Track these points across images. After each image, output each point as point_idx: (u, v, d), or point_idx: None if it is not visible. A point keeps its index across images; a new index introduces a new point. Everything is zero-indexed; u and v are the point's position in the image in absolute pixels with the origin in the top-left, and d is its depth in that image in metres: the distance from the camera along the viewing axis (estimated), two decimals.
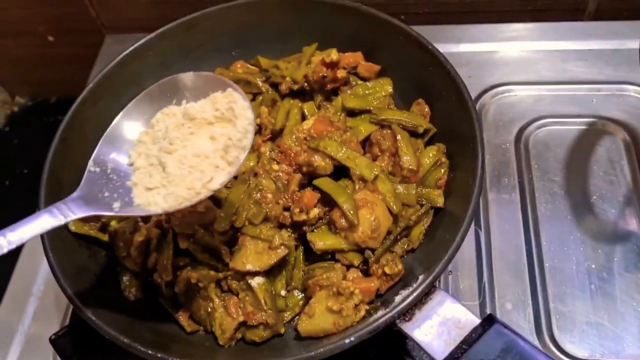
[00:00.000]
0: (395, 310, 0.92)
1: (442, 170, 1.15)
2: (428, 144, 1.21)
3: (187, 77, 1.03)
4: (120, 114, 1.03)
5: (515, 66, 1.54)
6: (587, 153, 1.37)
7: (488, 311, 1.19)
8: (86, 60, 1.85)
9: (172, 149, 0.96)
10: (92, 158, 0.99)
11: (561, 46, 1.57)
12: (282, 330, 1.06)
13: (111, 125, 1.03)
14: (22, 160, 2.14)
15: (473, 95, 1.16)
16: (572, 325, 1.16)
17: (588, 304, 1.18)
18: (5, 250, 0.82)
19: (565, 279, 1.21)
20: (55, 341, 1.13)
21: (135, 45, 1.33)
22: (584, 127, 1.42)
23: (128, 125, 1.03)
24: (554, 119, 1.43)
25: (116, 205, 0.95)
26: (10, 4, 1.94)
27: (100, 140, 1.01)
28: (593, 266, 1.22)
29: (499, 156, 1.39)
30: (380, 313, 0.97)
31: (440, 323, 0.91)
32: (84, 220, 1.16)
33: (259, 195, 1.11)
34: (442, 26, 1.65)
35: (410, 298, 0.93)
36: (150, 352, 0.94)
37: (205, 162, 0.94)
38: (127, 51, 1.32)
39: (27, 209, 1.47)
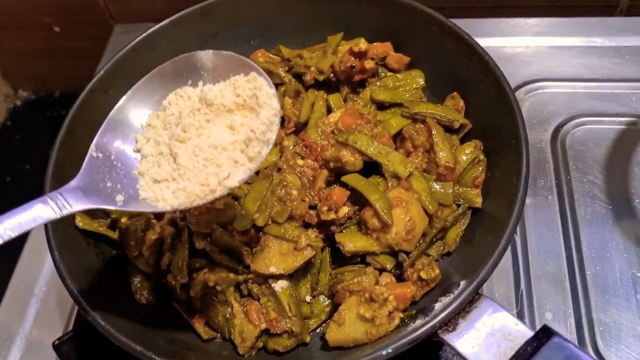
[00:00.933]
0: (437, 318, 0.84)
1: (480, 169, 1.07)
2: (462, 141, 1.13)
3: (206, 56, 0.92)
4: (129, 92, 0.93)
5: (549, 62, 1.46)
6: (627, 154, 1.29)
7: (527, 321, 1.10)
8: (92, 53, 1.77)
9: (185, 137, 0.85)
10: (94, 142, 0.88)
11: (596, 42, 1.49)
12: (308, 339, 0.98)
13: (117, 105, 0.92)
14: (24, 156, 2.06)
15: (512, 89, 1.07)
16: (617, 338, 1.08)
17: (634, 314, 1.10)
18: None
19: (609, 288, 1.13)
20: (59, 347, 1.05)
21: (148, 32, 1.25)
22: (623, 126, 1.33)
23: (136, 106, 0.92)
24: (592, 118, 1.35)
25: (119, 198, 0.84)
26: None
27: (105, 122, 0.90)
28: (638, 274, 1.14)
29: (534, 156, 1.30)
30: (419, 322, 0.88)
31: (487, 334, 0.82)
32: (93, 215, 1.08)
33: (283, 191, 1.02)
34: (471, 19, 1.57)
35: (453, 305, 0.84)
36: None
37: (223, 155, 0.83)
38: (140, 38, 1.24)
39: None
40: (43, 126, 2.17)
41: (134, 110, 0.92)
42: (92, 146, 0.88)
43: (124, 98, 0.92)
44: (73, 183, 0.83)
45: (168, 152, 0.87)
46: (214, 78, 0.91)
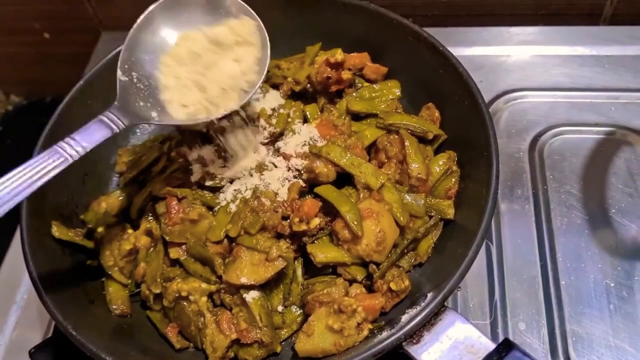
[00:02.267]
0: (402, 331, 0.84)
1: (453, 180, 1.08)
2: (437, 151, 1.14)
3: None
4: (139, 20, 1.02)
5: (529, 71, 1.47)
6: (605, 164, 1.30)
7: (499, 331, 1.11)
8: (83, 59, 1.79)
9: (207, 73, 1.01)
10: (118, 67, 0.99)
11: (578, 51, 1.49)
12: (279, 350, 0.99)
13: (131, 32, 1.02)
14: (15, 161, 2.06)
15: (485, 100, 1.08)
16: (589, 349, 1.08)
17: (607, 325, 1.10)
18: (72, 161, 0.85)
19: (583, 298, 1.13)
20: (34, 355, 1.05)
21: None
22: (602, 136, 1.34)
23: (148, 34, 1.03)
24: (570, 127, 1.35)
25: (154, 114, 0.96)
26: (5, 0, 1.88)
27: (122, 48, 1.01)
28: (612, 284, 1.14)
29: (511, 165, 1.31)
30: (385, 334, 0.89)
31: (450, 347, 0.83)
32: (69, 225, 1.09)
33: (256, 202, 1.03)
34: (453, 28, 1.57)
35: (419, 318, 0.85)
36: None
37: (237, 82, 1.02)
38: (121, 48, 1.25)
39: (16, 212, 1.40)
40: (34, 132, 2.17)
41: (147, 37, 1.03)
42: (118, 71, 0.99)
43: (136, 26, 1.03)
44: (116, 104, 0.94)
45: (192, 84, 1.00)
46: (208, 18, 1.05)
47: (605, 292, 1.14)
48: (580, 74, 1.45)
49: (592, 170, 1.29)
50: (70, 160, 0.85)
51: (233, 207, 1.04)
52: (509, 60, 1.50)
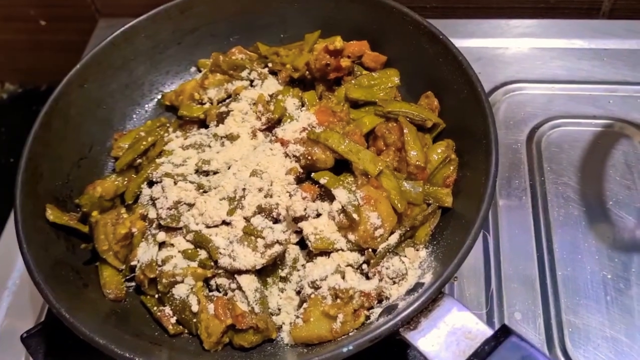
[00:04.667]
0: (399, 317, 0.83)
1: (451, 168, 1.07)
2: (435, 140, 1.13)
3: None
4: None
5: (528, 63, 1.47)
6: (602, 156, 1.29)
7: (495, 321, 1.11)
8: (79, 47, 1.77)
9: None
10: None
11: (576, 44, 1.50)
12: (274, 336, 0.98)
13: None
14: (8, 149, 2.06)
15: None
16: (586, 339, 1.08)
17: (603, 316, 1.10)
18: None
19: (579, 289, 1.13)
20: (26, 339, 1.04)
21: (126, 27, 1.25)
22: (599, 128, 1.34)
23: None
24: (568, 120, 1.35)
25: None
26: None
27: None
28: (609, 276, 1.14)
29: (509, 157, 1.31)
30: (382, 320, 0.88)
31: (448, 333, 0.82)
32: (64, 208, 1.08)
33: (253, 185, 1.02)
34: (452, 20, 1.57)
35: (416, 304, 0.84)
36: (127, 355, 0.85)
37: None
38: (117, 32, 1.24)
39: (8, 201, 1.39)
40: (29, 120, 2.15)
41: None
42: None
43: None
44: None
45: None
46: None
47: (602, 284, 1.13)
48: (578, 66, 1.45)
49: (590, 162, 1.29)
50: None
51: (231, 191, 1.03)
52: (507, 52, 1.50)
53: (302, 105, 1.15)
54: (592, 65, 1.45)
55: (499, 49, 1.51)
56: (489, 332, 0.80)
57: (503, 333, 0.78)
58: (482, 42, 1.52)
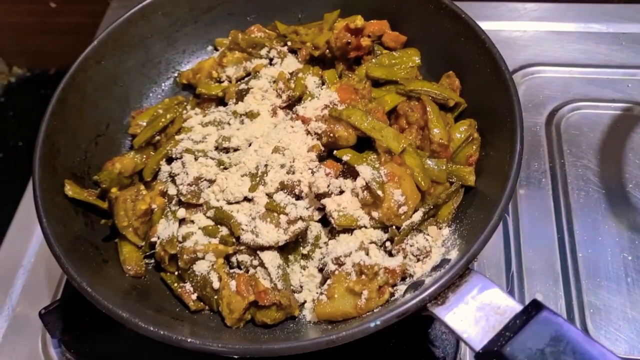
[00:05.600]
0: (427, 292, 0.82)
1: (474, 147, 1.06)
2: (457, 120, 1.12)
3: None
4: None
5: (546, 46, 1.46)
6: (622, 139, 1.29)
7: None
8: (89, 30, 1.75)
9: None
10: None
11: (593, 28, 1.49)
12: (296, 313, 0.97)
13: None
14: (17, 132, 2.05)
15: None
16: (607, 320, 1.07)
17: (624, 298, 1.09)
18: None
19: (600, 271, 1.13)
20: (45, 316, 1.04)
21: (143, 4, 1.24)
22: (618, 112, 1.33)
23: None
24: (587, 103, 1.35)
25: None
26: None
27: None
28: (630, 258, 1.13)
29: (528, 139, 1.30)
30: (408, 296, 0.87)
31: (477, 308, 0.81)
32: (82, 184, 1.07)
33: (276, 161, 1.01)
34: (468, 3, 1.55)
35: (444, 279, 0.83)
36: (151, 328, 0.84)
37: None
38: (135, 9, 1.23)
39: (20, 183, 1.37)
40: (37, 104, 2.14)
41: None
42: None
43: None
44: None
45: None
46: None
47: (622, 265, 1.13)
48: (596, 50, 1.44)
49: (609, 145, 1.28)
50: None
51: (252, 168, 1.02)
52: (525, 35, 1.49)
53: (323, 84, 1.14)
54: (610, 49, 1.44)
55: (516, 32, 1.50)
56: (518, 307, 0.79)
57: (534, 307, 0.77)
58: (499, 25, 1.52)
